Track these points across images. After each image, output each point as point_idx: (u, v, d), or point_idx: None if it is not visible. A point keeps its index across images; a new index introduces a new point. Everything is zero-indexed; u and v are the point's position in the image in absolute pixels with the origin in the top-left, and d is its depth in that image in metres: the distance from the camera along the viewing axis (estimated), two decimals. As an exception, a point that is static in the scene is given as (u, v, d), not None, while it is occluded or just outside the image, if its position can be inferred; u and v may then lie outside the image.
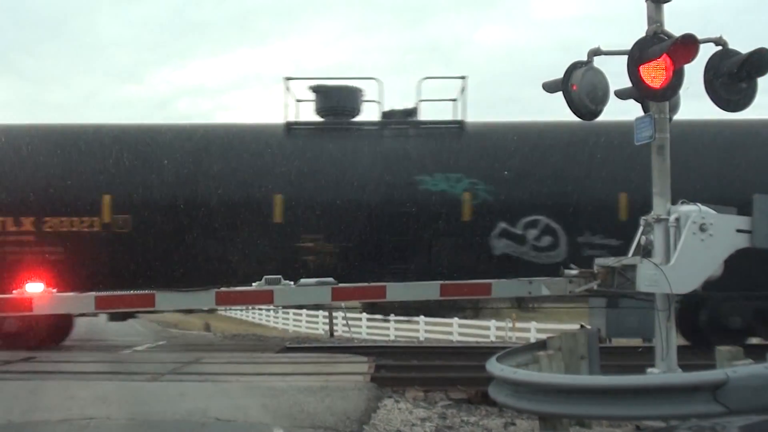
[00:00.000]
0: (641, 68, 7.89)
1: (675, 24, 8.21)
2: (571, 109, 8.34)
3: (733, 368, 7.15)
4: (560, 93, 8.39)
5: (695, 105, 9.38)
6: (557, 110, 15.41)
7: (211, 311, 20.33)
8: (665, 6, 8.31)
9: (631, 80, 8.00)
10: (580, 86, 8.19)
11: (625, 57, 8.00)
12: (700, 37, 7.85)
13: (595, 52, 8.36)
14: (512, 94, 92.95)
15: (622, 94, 8.52)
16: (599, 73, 8.32)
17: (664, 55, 7.80)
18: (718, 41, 8.23)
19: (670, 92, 8.14)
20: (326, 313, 30.73)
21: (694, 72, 8.12)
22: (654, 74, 7.91)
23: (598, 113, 8.40)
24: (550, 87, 8.52)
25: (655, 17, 8.26)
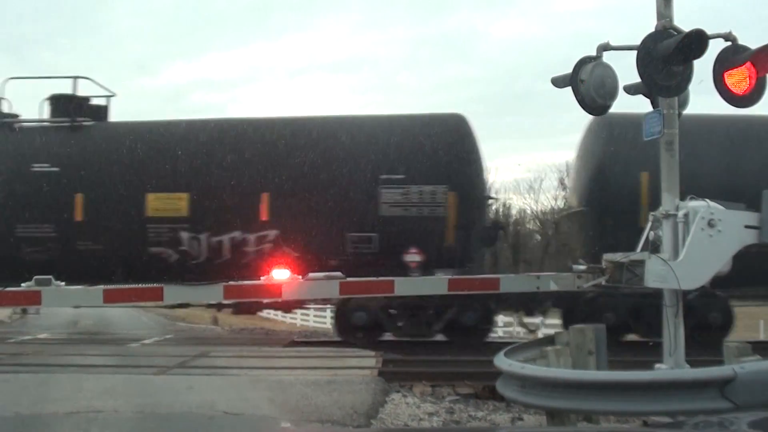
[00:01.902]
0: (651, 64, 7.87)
1: (687, 20, 8.18)
2: (580, 104, 8.32)
3: (741, 364, 7.14)
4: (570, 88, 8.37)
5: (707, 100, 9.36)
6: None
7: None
8: (674, 2, 8.29)
9: (640, 76, 7.98)
10: (589, 81, 8.17)
11: (635, 51, 7.98)
12: (710, 32, 7.82)
13: (605, 47, 8.34)
14: (526, 88, 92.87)
15: (631, 89, 8.50)
16: (608, 68, 8.29)
17: (674, 50, 7.77)
18: (727, 36, 8.19)
19: (679, 88, 8.11)
20: (334, 307, 30.73)
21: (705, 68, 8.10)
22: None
23: (607, 108, 8.39)
24: (558, 82, 8.50)
25: (664, 12, 8.23)
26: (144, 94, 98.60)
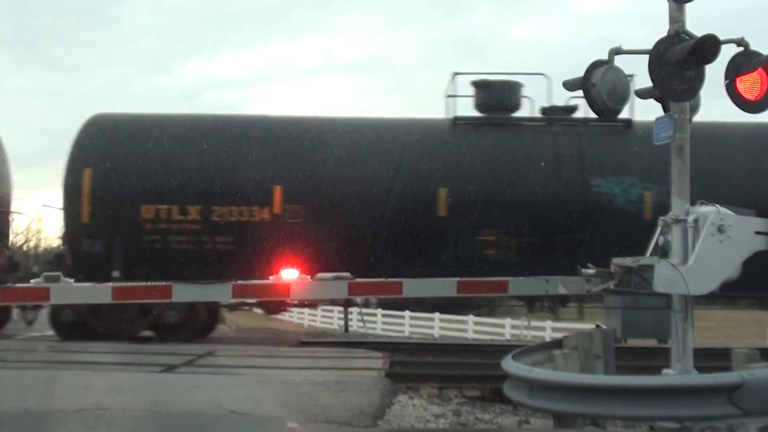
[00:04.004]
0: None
1: (700, 24, 8.17)
2: (591, 107, 8.32)
3: (749, 371, 7.13)
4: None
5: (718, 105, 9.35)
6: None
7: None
8: (687, 6, 8.27)
9: (652, 80, 7.97)
10: (600, 85, 8.16)
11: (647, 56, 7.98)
12: (722, 37, 7.81)
13: (616, 51, 8.33)
14: (543, 90, 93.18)
15: (642, 94, 8.49)
16: (620, 72, 8.29)
17: (687, 55, 7.76)
18: (739, 42, 8.18)
19: (690, 93, 8.10)
20: (341, 308, 30.77)
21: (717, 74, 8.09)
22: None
23: (618, 112, 8.38)
24: (571, 85, 8.50)
25: (676, 17, 8.21)
26: (158, 92, 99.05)
